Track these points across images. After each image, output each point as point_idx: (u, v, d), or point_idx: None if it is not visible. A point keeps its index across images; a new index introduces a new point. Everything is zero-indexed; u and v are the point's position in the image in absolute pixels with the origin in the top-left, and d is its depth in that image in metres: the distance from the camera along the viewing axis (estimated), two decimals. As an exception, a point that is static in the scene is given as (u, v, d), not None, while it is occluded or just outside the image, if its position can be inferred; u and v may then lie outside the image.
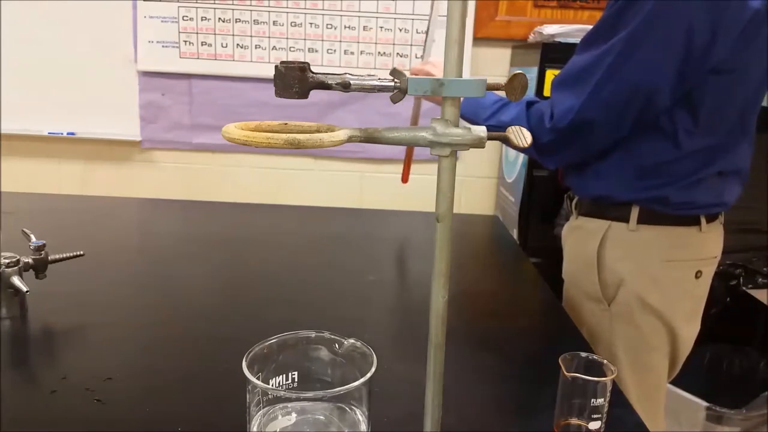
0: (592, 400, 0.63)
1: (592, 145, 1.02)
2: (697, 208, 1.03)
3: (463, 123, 0.49)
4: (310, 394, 0.54)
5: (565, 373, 0.64)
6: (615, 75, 0.93)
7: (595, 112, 0.96)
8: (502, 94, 0.52)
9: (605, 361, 0.66)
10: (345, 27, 2.09)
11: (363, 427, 0.55)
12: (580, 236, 1.13)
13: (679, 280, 1.05)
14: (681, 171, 1.00)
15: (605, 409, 0.64)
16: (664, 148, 0.99)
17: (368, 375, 0.53)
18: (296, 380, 0.59)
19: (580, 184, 1.12)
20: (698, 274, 1.06)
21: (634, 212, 1.03)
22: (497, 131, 1.01)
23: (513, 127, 0.53)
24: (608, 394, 0.64)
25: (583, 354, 0.68)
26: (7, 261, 0.85)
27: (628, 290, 1.05)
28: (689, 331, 1.10)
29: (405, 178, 1.37)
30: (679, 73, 0.92)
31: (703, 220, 1.03)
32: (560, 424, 0.66)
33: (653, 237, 1.04)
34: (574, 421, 0.65)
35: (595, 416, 0.64)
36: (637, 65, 0.92)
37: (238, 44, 2.09)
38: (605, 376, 0.64)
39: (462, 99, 1.13)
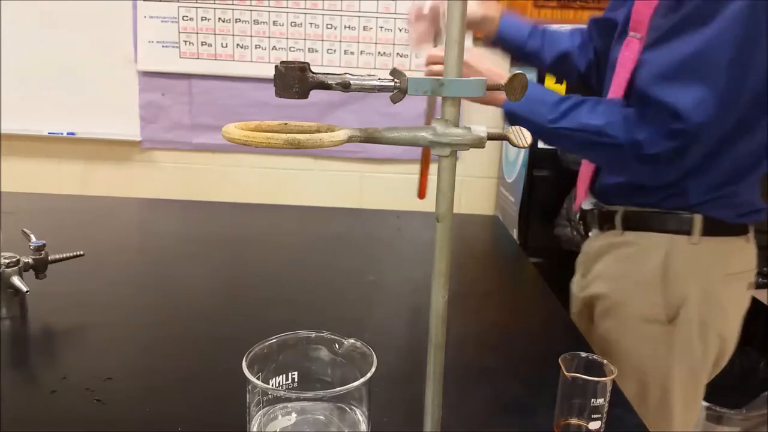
0: (592, 400, 0.63)
1: (714, 144, 0.89)
2: (750, 214, 0.98)
3: (463, 122, 0.49)
4: (310, 394, 0.54)
5: (565, 373, 0.64)
6: (743, 54, 0.82)
7: (733, 100, 0.84)
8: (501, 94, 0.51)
9: (605, 361, 0.66)
10: (345, 27, 2.09)
11: (363, 427, 0.55)
12: (633, 253, 1.02)
13: (735, 294, 1.01)
14: (754, 167, 0.94)
15: (605, 409, 0.64)
16: (748, 145, 0.92)
17: (368, 375, 0.53)
18: (296, 380, 0.59)
19: (636, 191, 1.00)
20: (749, 286, 1.01)
21: (698, 222, 0.95)
22: (578, 135, 0.93)
23: (513, 127, 0.53)
24: (608, 394, 0.64)
25: (583, 354, 0.68)
26: (7, 261, 0.85)
27: (691, 309, 0.98)
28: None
29: (422, 193, 1.19)
30: None
31: (750, 229, 0.99)
32: (560, 424, 0.66)
33: (714, 249, 0.97)
34: (574, 421, 0.65)
35: (595, 416, 0.64)
36: (763, 40, 0.81)
37: (238, 44, 2.09)
38: (605, 376, 0.64)
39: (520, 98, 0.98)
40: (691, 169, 0.93)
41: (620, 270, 1.05)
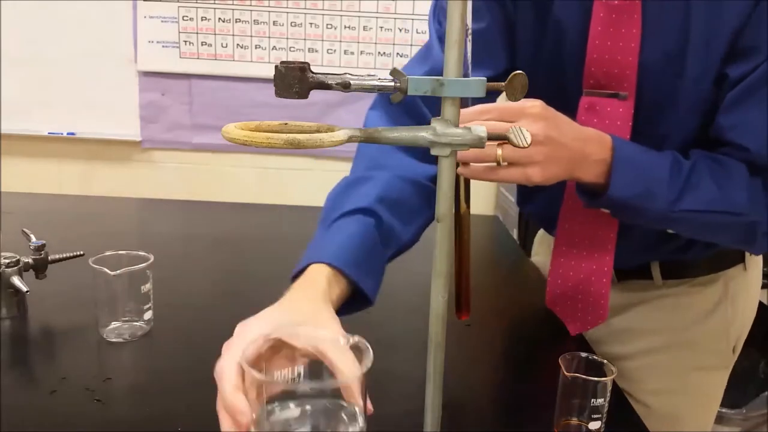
0: (592, 400, 0.63)
1: None
2: None
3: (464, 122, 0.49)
4: (308, 388, 0.54)
5: (565, 373, 0.64)
6: None
7: None
8: (502, 95, 0.51)
9: (605, 361, 0.66)
10: (345, 27, 2.09)
11: (360, 420, 0.55)
12: (686, 303, 0.89)
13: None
14: None
15: (605, 409, 0.64)
16: None
17: (364, 369, 0.53)
18: (298, 374, 0.59)
19: (668, 253, 0.85)
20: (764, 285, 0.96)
21: None
22: (707, 216, 0.69)
23: (514, 127, 0.53)
24: (608, 394, 0.64)
25: (583, 354, 0.68)
26: (7, 261, 0.85)
27: (742, 340, 0.92)
28: None
29: (464, 312, 0.82)
30: None
31: None
32: (560, 424, 0.66)
33: (757, 267, 0.90)
34: (574, 421, 0.65)
35: (595, 416, 0.64)
36: None
37: (238, 44, 2.09)
38: (605, 376, 0.64)
39: (622, 177, 0.66)
40: None
41: (665, 323, 0.90)
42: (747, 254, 0.87)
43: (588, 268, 0.80)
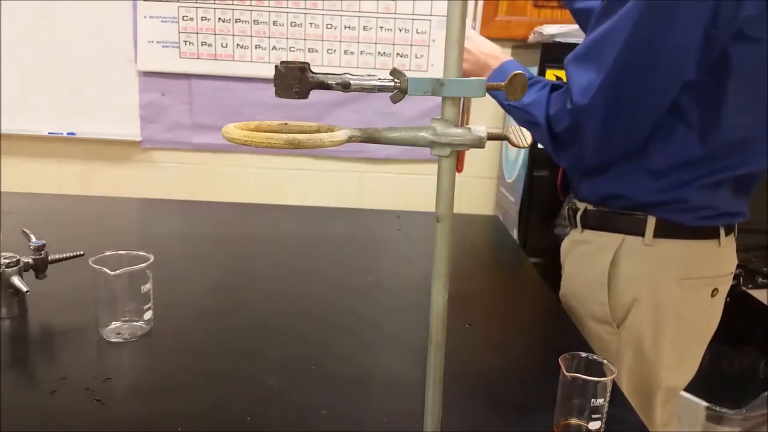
0: (592, 400, 0.63)
1: (617, 133, 0.89)
2: (717, 217, 0.94)
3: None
4: None
5: (565, 373, 0.64)
6: (637, 41, 0.82)
7: (619, 87, 0.85)
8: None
9: (605, 361, 0.66)
10: (345, 27, 2.08)
11: None
12: (587, 252, 1.03)
13: (695, 300, 0.97)
14: (701, 170, 0.91)
15: (605, 409, 0.64)
16: (686, 145, 0.90)
17: None
18: None
19: (588, 187, 1.01)
20: (714, 293, 0.98)
21: (651, 224, 0.94)
22: (517, 112, 1.00)
23: (513, 126, 0.53)
24: (608, 394, 0.64)
25: (583, 354, 0.68)
26: (7, 261, 0.85)
27: (641, 312, 0.96)
28: (698, 352, 1.02)
29: (459, 167, 1.14)
30: (706, 37, 0.81)
31: (722, 233, 0.95)
32: (560, 424, 0.66)
33: (670, 252, 0.95)
34: (574, 421, 0.65)
35: (595, 416, 0.64)
36: (662, 28, 0.81)
37: (238, 44, 2.09)
38: (605, 376, 0.64)
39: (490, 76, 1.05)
40: (612, 172, 0.95)
41: (576, 268, 1.07)
42: (648, 228, 0.95)
43: None
